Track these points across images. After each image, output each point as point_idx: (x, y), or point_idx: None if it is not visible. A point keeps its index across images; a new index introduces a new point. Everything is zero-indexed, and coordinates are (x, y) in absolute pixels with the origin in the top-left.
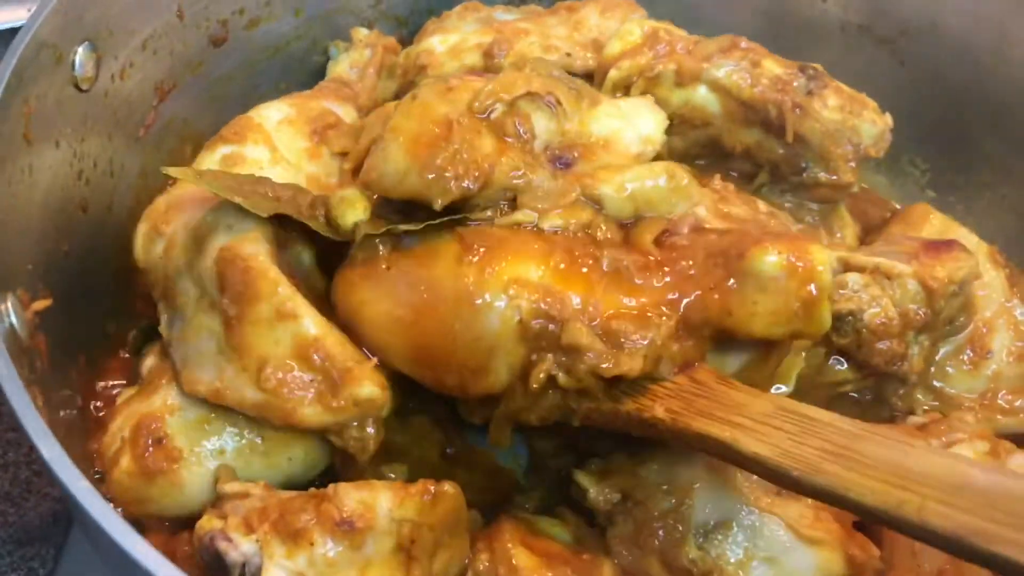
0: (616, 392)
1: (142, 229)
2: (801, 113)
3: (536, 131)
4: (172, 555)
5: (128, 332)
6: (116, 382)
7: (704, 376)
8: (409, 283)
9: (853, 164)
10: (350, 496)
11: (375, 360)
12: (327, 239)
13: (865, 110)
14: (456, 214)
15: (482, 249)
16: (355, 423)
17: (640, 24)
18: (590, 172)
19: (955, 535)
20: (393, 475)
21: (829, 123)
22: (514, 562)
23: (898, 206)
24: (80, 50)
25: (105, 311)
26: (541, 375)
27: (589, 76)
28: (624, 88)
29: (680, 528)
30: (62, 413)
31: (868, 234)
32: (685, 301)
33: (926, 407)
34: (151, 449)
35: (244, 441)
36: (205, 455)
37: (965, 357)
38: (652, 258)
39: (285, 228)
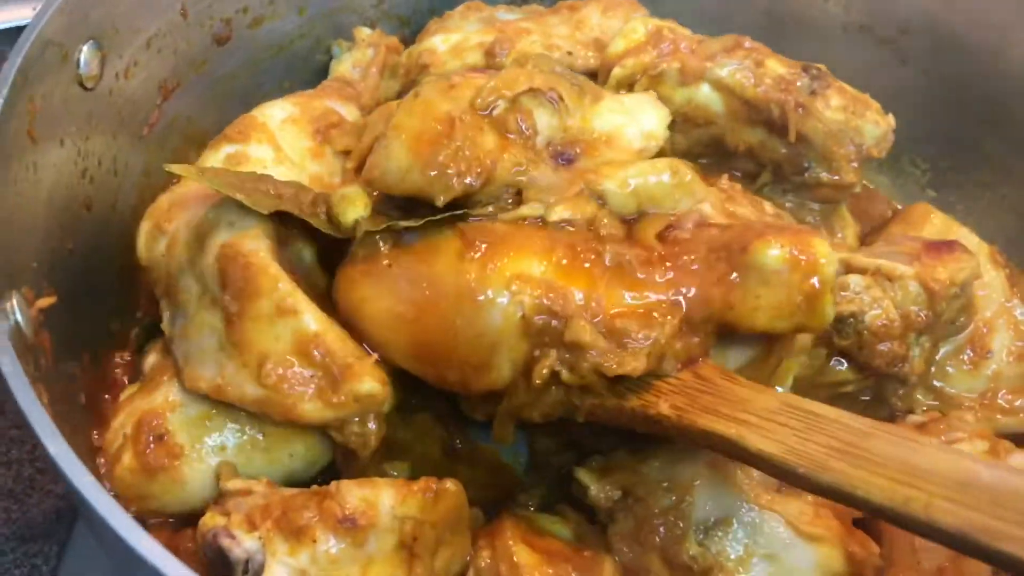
0: (620, 388)
1: (145, 227)
2: (804, 113)
3: (538, 127)
4: (175, 552)
5: (132, 330)
6: (120, 380)
7: (708, 372)
8: (411, 280)
9: (855, 164)
10: (352, 493)
11: (375, 356)
12: (328, 236)
13: (868, 111)
14: (458, 210)
15: (484, 245)
16: (356, 419)
17: (644, 22)
18: (593, 168)
19: (961, 532)
20: (395, 472)
21: (832, 123)
22: (515, 559)
23: (899, 206)
24: (85, 49)
25: (109, 309)
26: (544, 371)
27: (591, 75)
28: (628, 86)
29: (681, 525)
30: (66, 410)
31: (869, 234)
32: (688, 295)
33: (926, 407)
34: (152, 446)
35: (245, 437)
36: (206, 451)
37: (965, 357)
38: (655, 252)
39: (286, 225)
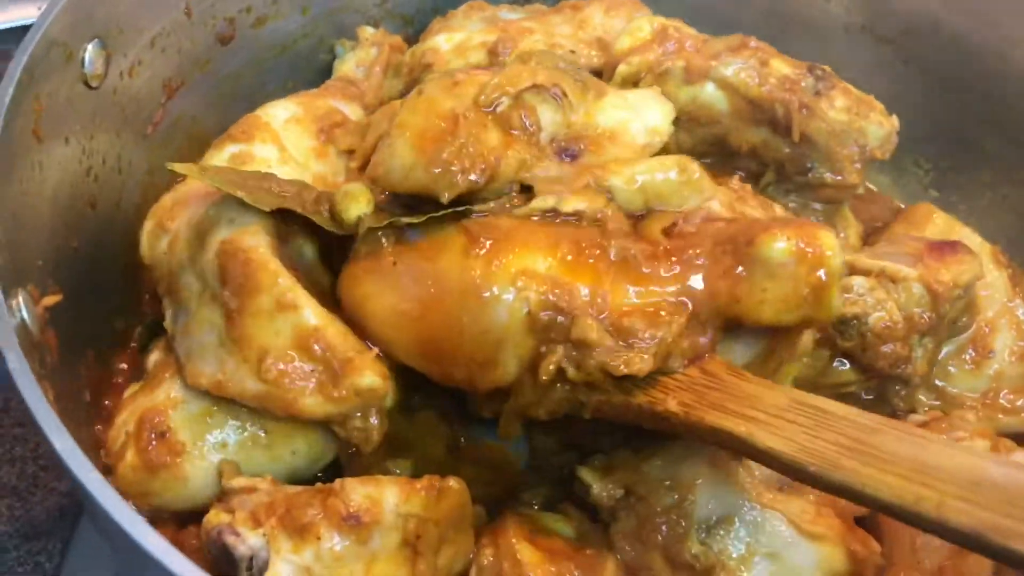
0: (627, 385)
1: (148, 226)
2: (808, 113)
3: (542, 123)
4: (180, 549)
5: (135, 328)
6: (124, 378)
7: (716, 368)
8: (415, 277)
9: (859, 165)
10: (356, 491)
11: (376, 350)
12: (331, 234)
13: (872, 112)
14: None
15: (488, 242)
16: (358, 414)
17: (650, 21)
18: (600, 164)
19: (973, 531)
20: (398, 470)
21: (836, 124)
22: (518, 557)
23: (901, 206)
24: (90, 48)
25: (113, 307)
26: (551, 367)
27: (595, 74)
28: (633, 83)
29: (683, 524)
30: (71, 407)
31: (871, 234)
32: (694, 289)
33: (928, 406)
34: (154, 443)
35: (246, 434)
36: (208, 448)
37: (967, 356)
38: (660, 247)
39: (287, 222)
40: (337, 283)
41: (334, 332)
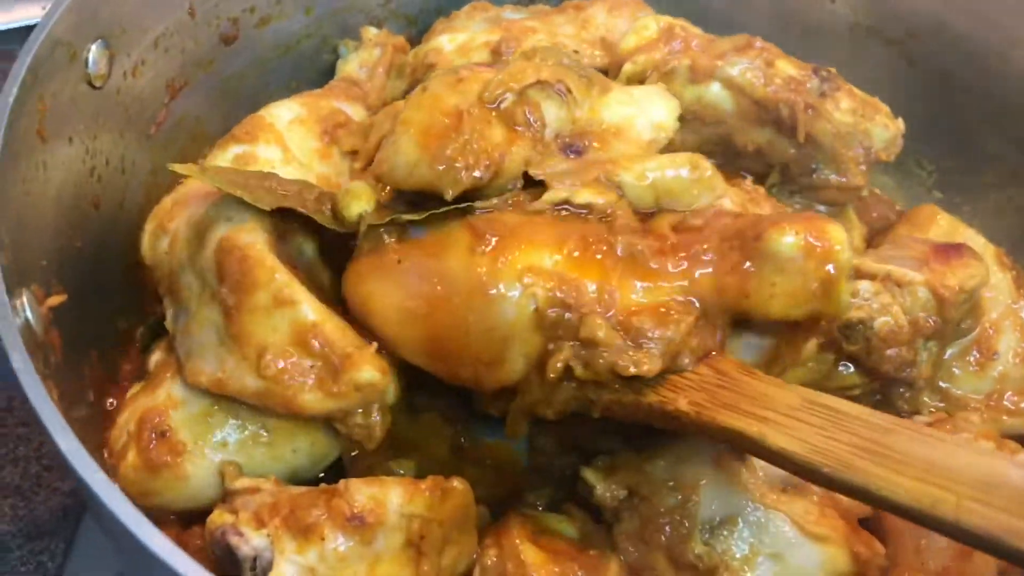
0: (637, 384)
1: (149, 227)
2: (813, 114)
3: (547, 119)
4: (184, 549)
5: (138, 328)
6: (127, 378)
7: (727, 366)
8: (421, 275)
9: (863, 167)
10: (361, 492)
11: (375, 345)
12: (332, 232)
13: (878, 114)
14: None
15: (494, 238)
16: (359, 410)
17: (656, 19)
18: (609, 159)
19: (990, 534)
20: (402, 471)
21: (841, 125)
22: (522, 558)
23: (905, 207)
24: (93, 48)
25: (116, 307)
26: (559, 365)
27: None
28: (638, 82)
29: (686, 524)
30: (75, 407)
31: (874, 236)
32: (702, 285)
33: (932, 408)
34: (155, 442)
35: (247, 433)
36: (208, 448)
37: (971, 358)
38: (667, 242)
39: (286, 220)
40: (341, 281)
41: (332, 327)
